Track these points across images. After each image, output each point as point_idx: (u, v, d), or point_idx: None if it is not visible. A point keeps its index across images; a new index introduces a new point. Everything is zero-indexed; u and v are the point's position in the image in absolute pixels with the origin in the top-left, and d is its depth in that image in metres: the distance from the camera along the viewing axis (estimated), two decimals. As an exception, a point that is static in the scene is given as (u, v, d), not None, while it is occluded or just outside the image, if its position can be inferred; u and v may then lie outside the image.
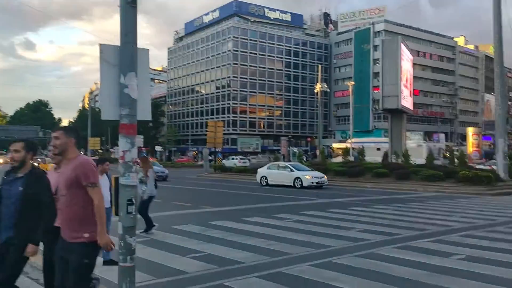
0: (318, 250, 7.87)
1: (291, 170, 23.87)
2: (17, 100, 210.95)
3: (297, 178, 23.12)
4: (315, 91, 44.85)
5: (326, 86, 47.61)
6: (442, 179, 22.69)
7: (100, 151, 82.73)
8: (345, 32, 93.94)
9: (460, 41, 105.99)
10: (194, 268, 6.66)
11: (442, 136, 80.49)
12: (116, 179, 3.15)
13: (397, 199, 17.62)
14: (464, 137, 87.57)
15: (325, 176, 23.93)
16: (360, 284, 5.82)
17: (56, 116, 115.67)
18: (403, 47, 29.48)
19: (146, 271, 6.21)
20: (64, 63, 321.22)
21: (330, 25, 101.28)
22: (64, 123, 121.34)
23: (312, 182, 22.81)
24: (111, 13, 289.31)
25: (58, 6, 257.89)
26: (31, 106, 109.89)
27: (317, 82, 44.14)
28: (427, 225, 10.72)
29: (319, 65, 56.30)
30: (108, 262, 6.57)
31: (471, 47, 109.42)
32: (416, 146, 39.67)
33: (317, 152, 39.22)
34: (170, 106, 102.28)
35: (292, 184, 23.05)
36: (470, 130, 48.47)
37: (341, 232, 9.64)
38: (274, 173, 24.74)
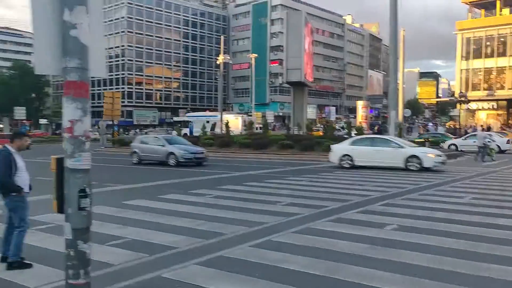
0: (252, 228, 7.41)
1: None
2: None
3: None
4: (218, 62, 43.91)
5: (228, 58, 46.94)
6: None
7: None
8: (243, 4, 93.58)
9: (348, 19, 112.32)
10: (119, 258, 5.74)
11: (333, 109, 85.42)
12: (59, 161, 2.20)
13: (307, 170, 17.93)
14: (351, 110, 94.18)
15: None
16: (312, 264, 5.47)
17: None
18: (304, 21, 29.92)
19: (58, 266, 4.92)
20: None
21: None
22: None
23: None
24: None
25: None
26: None
27: (219, 54, 43.25)
28: (348, 195, 10.88)
29: (222, 37, 55.25)
30: (15, 265, 5.31)
31: (357, 25, 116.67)
32: (234, 118, 45.22)
33: (218, 124, 38.70)
34: (55, 76, 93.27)
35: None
36: (360, 104, 51.71)
37: (268, 207, 9.31)
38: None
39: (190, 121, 48.46)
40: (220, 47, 49.80)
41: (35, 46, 2.16)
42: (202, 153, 20.40)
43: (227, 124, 30.64)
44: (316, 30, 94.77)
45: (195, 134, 38.79)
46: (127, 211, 8.96)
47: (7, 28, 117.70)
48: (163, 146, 20.36)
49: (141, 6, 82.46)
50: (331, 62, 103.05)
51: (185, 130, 43.50)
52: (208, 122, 41.66)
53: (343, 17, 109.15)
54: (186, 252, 6.02)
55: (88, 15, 2.14)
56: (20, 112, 61.03)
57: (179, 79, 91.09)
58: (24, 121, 63.79)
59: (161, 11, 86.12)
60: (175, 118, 58.47)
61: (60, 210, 2.21)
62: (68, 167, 2.14)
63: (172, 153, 19.76)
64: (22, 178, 5.34)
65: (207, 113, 57.35)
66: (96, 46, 2.27)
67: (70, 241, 2.25)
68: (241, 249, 6.13)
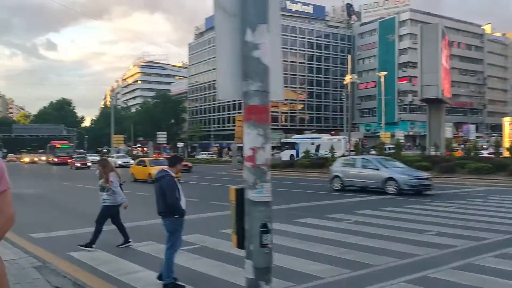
0: (403, 260, 6.71)
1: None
2: (40, 100, 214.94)
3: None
4: (344, 82, 43.32)
5: (356, 77, 46.06)
6: (492, 172, 21.18)
7: (101, 149, 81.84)
8: (369, 22, 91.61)
9: (487, 28, 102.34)
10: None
11: (472, 127, 77.88)
12: (239, 192, 2.04)
13: (453, 194, 16.27)
14: (494, 128, 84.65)
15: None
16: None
17: (79, 114, 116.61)
18: (441, 34, 27.89)
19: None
20: (85, 62, 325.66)
21: (353, 16, 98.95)
22: (87, 121, 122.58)
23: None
24: (130, 11, 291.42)
25: (79, 6, 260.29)
26: (54, 105, 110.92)
27: (345, 74, 42.61)
28: (508, 225, 9.43)
29: (349, 56, 54.62)
30: (170, 286, 5.50)
31: (498, 34, 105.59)
32: (337, 140, 43.65)
33: (347, 145, 37.84)
34: (191, 102, 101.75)
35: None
36: (507, 120, 46.10)
37: (415, 236, 8.45)
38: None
39: (296, 143, 48.90)
40: (345, 67, 49.24)
41: (219, 72, 2.07)
42: (428, 178, 16.66)
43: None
44: (451, 43, 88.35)
45: (300, 155, 39.80)
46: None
47: (152, 62, 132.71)
48: (377, 169, 17.08)
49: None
50: (469, 76, 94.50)
51: (292, 152, 45.25)
52: (312, 144, 42.49)
53: (482, 27, 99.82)
54: (334, 284, 5.64)
55: (269, 33, 1.98)
56: (161, 137, 67.49)
57: (304, 101, 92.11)
58: (165, 145, 70.41)
59: (286, 35, 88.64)
60: (283, 140, 59.60)
61: (240, 245, 2.04)
62: (250, 199, 1.96)
63: (391, 178, 16.33)
64: (182, 201, 5.56)
65: (312, 135, 57.89)
66: (276, 67, 2.10)
67: (251, 281, 2.05)
68: (396, 284, 5.52)
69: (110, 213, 7.87)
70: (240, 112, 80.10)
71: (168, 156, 6.61)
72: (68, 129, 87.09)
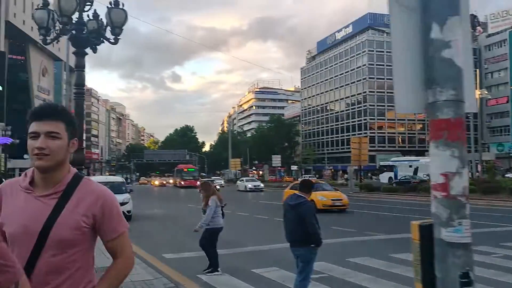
0: None
1: None
2: (167, 127, 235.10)
3: None
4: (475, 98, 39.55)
5: (485, 92, 41.99)
6: None
7: (204, 175, 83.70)
8: (497, 33, 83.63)
9: None
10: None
11: None
12: (426, 229, 1.62)
13: None
14: None
15: None
16: None
17: (200, 139, 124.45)
18: None
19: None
20: (205, 91, 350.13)
21: (478, 28, 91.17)
22: (206, 146, 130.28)
23: None
24: (244, 41, 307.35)
25: (199, 40, 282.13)
26: (178, 132, 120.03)
27: (476, 89, 38.97)
28: None
29: (477, 71, 50.27)
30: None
31: None
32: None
33: (479, 167, 34.27)
34: (304, 125, 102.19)
35: None
36: None
37: None
38: None
39: (394, 165, 46.49)
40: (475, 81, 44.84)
41: (396, 80, 1.71)
42: None
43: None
44: None
45: (399, 178, 38.98)
46: (397, 266, 8.10)
47: (265, 87, 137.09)
48: None
49: (382, 51, 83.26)
50: None
51: (390, 174, 43.88)
52: (410, 166, 41.39)
53: None
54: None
55: (461, 28, 1.58)
56: (276, 160, 68.57)
57: (423, 120, 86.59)
58: (279, 168, 71.41)
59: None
60: (381, 163, 56.31)
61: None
62: (443, 240, 1.54)
63: None
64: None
65: (411, 157, 53.60)
66: (469, 70, 1.68)
67: None
68: None
69: (215, 235, 7.79)
70: (354, 134, 78.16)
71: (307, 181, 5.91)
72: (191, 154, 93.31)
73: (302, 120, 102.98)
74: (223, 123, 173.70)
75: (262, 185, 42.98)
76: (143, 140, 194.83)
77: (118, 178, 21.34)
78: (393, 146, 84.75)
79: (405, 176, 37.39)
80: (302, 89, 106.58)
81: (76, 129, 1.80)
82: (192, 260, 8.77)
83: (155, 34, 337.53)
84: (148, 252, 9.64)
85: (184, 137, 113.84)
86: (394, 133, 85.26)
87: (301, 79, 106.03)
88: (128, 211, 16.60)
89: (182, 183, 57.80)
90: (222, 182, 54.79)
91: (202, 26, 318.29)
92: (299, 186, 5.74)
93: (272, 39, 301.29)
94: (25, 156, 65.29)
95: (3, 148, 30.34)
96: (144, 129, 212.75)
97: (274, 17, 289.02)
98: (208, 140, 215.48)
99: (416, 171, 40.01)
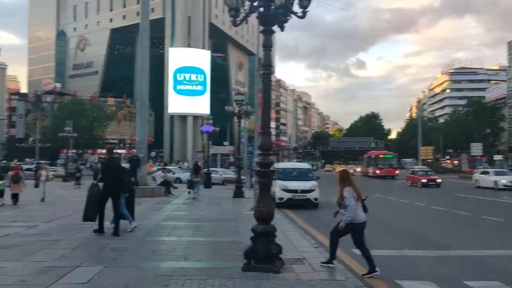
0: None
1: None
2: (351, 115, 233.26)
3: None
4: None
5: None
6: None
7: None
8: None
9: None
10: None
11: None
12: None
13: None
14: None
15: None
16: None
17: (386, 127, 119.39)
18: None
19: None
20: (391, 76, 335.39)
21: None
22: (393, 133, 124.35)
23: None
24: (436, 19, 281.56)
25: (385, 23, 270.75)
26: (363, 119, 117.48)
27: None
28: None
29: None
30: None
31: None
32: None
33: None
34: (511, 109, 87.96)
35: None
36: None
37: None
38: None
39: None
40: None
41: None
42: None
43: None
44: None
45: None
46: None
47: (462, 68, 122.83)
48: None
49: None
50: None
51: None
52: None
53: None
54: None
55: None
56: (476, 149, 60.81)
57: None
58: (480, 157, 63.04)
59: None
60: None
61: None
62: None
63: None
64: None
65: None
66: None
67: None
68: None
69: (355, 231, 6.74)
70: None
71: None
72: (376, 141, 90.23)
73: (509, 103, 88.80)
74: (411, 109, 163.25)
75: None
76: (327, 128, 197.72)
77: (305, 165, 21.41)
78: None
79: None
80: (509, 67, 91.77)
81: None
82: (386, 260, 7.74)
83: (340, 22, 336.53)
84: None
85: (369, 124, 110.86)
86: None
87: (508, 55, 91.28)
88: (315, 198, 16.38)
89: (378, 172, 49.56)
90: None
91: (389, 8, 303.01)
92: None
93: (469, 13, 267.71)
94: (225, 143, 73.07)
95: (207, 135, 33.91)
96: (329, 117, 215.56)
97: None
98: (394, 127, 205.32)
99: None
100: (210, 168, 31.03)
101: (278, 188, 16.30)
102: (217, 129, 36.17)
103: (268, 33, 6.54)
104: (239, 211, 14.48)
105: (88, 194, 9.48)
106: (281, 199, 16.24)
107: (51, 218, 11.96)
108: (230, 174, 34.12)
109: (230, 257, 7.18)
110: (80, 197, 12.54)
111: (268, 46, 6.54)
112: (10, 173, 16.03)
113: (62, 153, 57.81)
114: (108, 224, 9.43)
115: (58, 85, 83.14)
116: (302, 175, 17.52)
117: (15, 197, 15.31)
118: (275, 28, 6.53)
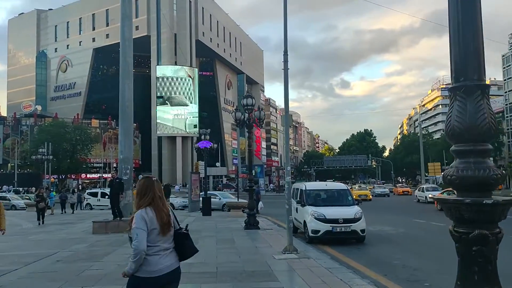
0: None
1: None
2: (338, 134, 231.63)
3: None
4: None
5: None
6: None
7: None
8: None
9: None
10: None
11: None
12: None
13: None
14: None
15: None
16: None
17: (380, 144, 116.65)
18: None
19: None
20: (376, 95, 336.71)
21: None
22: (386, 151, 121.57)
23: None
24: (417, 39, 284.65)
25: (366, 44, 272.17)
26: (356, 137, 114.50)
27: None
28: None
29: None
30: None
31: None
32: None
33: None
34: (509, 123, 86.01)
35: None
36: None
37: None
38: None
39: None
40: None
41: None
42: None
43: None
44: None
45: None
46: None
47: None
48: None
49: None
50: None
51: None
52: None
53: None
54: None
55: None
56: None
57: None
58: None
59: None
60: None
61: None
62: None
63: None
64: None
65: None
66: None
67: None
68: None
69: None
70: None
71: None
72: (372, 159, 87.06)
73: (507, 116, 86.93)
74: (401, 126, 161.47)
75: None
76: (318, 147, 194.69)
77: (340, 185, 16.13)
78: None
79: None
80: (505, 80, 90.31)
81: None
82: None
83: (322, 43, 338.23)
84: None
85: (363, 142, 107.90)
86: None
87: (504, 67, 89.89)
88: (362, 230, 12.13)
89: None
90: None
91: (370, 29, 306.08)
92: None
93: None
94: (217, 164, 69.02)
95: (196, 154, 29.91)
96: (319, 136, 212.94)
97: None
98: (385, 144, 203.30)
99: None
100: (208, 192, 27.02)
101: (311, 217, 12.29)
102: (215, 145, 32.12)
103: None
104: (266, 254, 10.05)
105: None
106: (316, 232, 12.01)
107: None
108: (230, 198, 30.12)
109: None
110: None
111: None
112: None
113: (45, 179, 53.14)
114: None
115: (39, 107, 78.65)
116: (339, 198, 13.36)
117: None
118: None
